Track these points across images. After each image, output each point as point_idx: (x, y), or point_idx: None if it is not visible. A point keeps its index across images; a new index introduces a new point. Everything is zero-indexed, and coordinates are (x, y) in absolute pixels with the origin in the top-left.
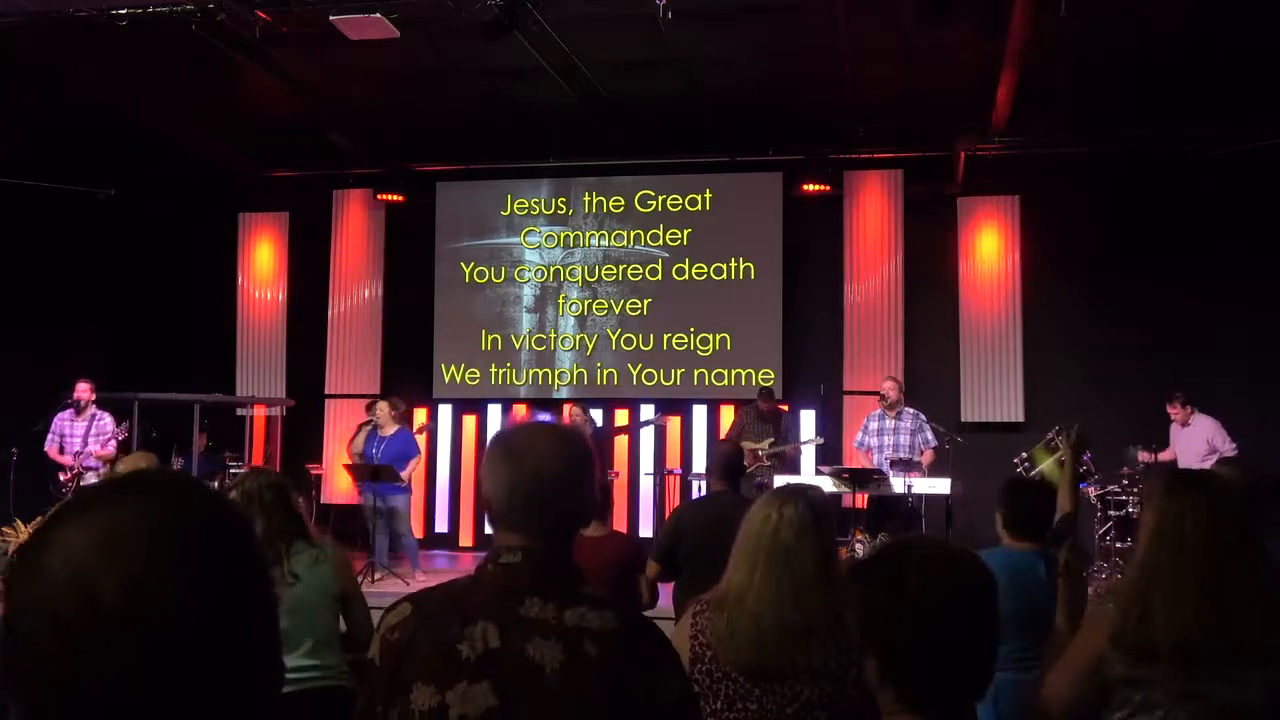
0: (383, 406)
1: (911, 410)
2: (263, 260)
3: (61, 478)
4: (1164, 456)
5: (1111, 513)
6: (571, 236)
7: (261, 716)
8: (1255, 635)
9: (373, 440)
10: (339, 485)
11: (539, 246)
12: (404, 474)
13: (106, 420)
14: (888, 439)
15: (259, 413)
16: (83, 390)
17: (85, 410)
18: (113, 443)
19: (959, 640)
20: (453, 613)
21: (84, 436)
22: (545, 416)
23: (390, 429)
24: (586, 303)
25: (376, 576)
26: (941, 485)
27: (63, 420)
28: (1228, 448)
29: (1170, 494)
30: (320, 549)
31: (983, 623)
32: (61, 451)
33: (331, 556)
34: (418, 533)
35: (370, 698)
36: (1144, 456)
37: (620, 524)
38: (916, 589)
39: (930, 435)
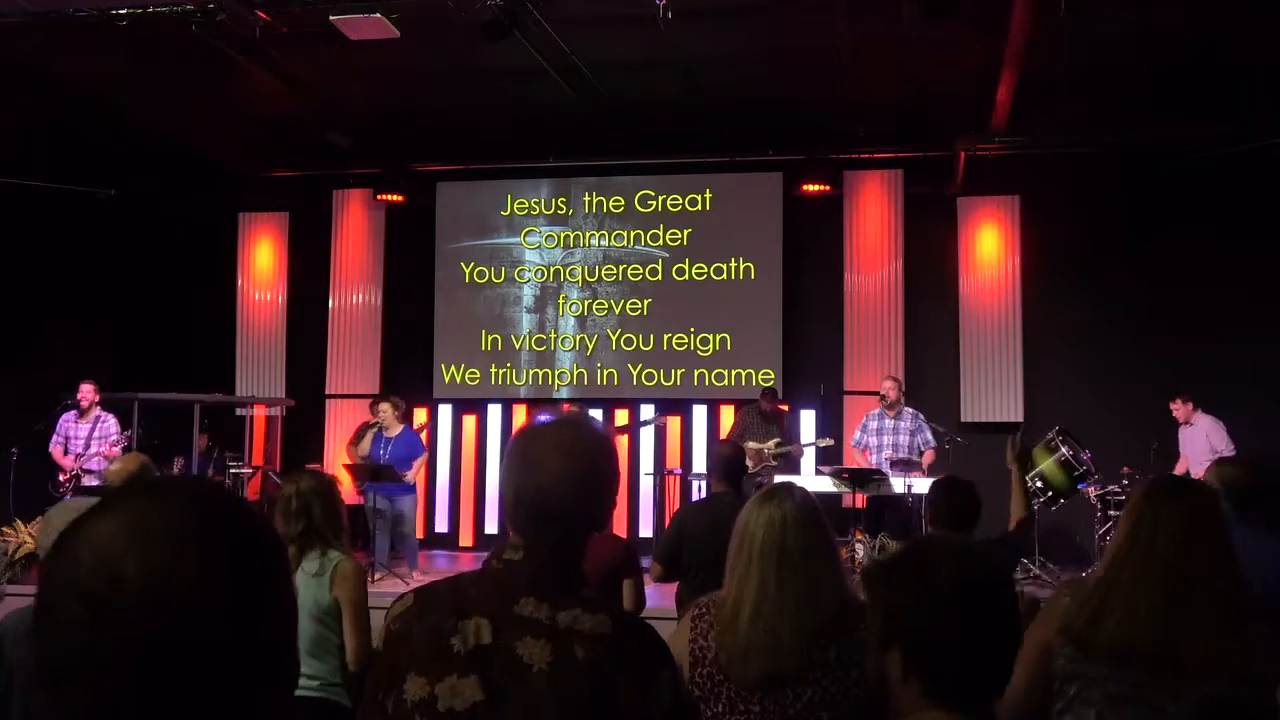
0: (385, 407)
1: (911, 410)
2: (263, 260)
3: (61, 478)
4: (1178, 468)
5: (1112, 513)
6: (571, 236)
7: (274, 710)
8: (1201, 651)
9: (379, 441)
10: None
11: (539, 246)
12: (410, 474)
13: (110, 423)
14: (887, 439)
15: (259, 413)
16: (86, 392)
17: (89, 412)
18: (118, 447)
19: (988, 634)
20: (450, 606)
21: (86, 438)
22: (544, 418)
23: (395, 429)
24: (586, 303)
25: (376, 576)
26: None
27: (67, 421)
28: (1226, 449)
29: (1148, 501)
30: (326, 559)
31: (1008, 617)
32: (65, 453)
33: (333, 568)
34: (418, 533)
35: (373, 687)
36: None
37: (620, 524)
38: (948, 583)
39: (929, 436)
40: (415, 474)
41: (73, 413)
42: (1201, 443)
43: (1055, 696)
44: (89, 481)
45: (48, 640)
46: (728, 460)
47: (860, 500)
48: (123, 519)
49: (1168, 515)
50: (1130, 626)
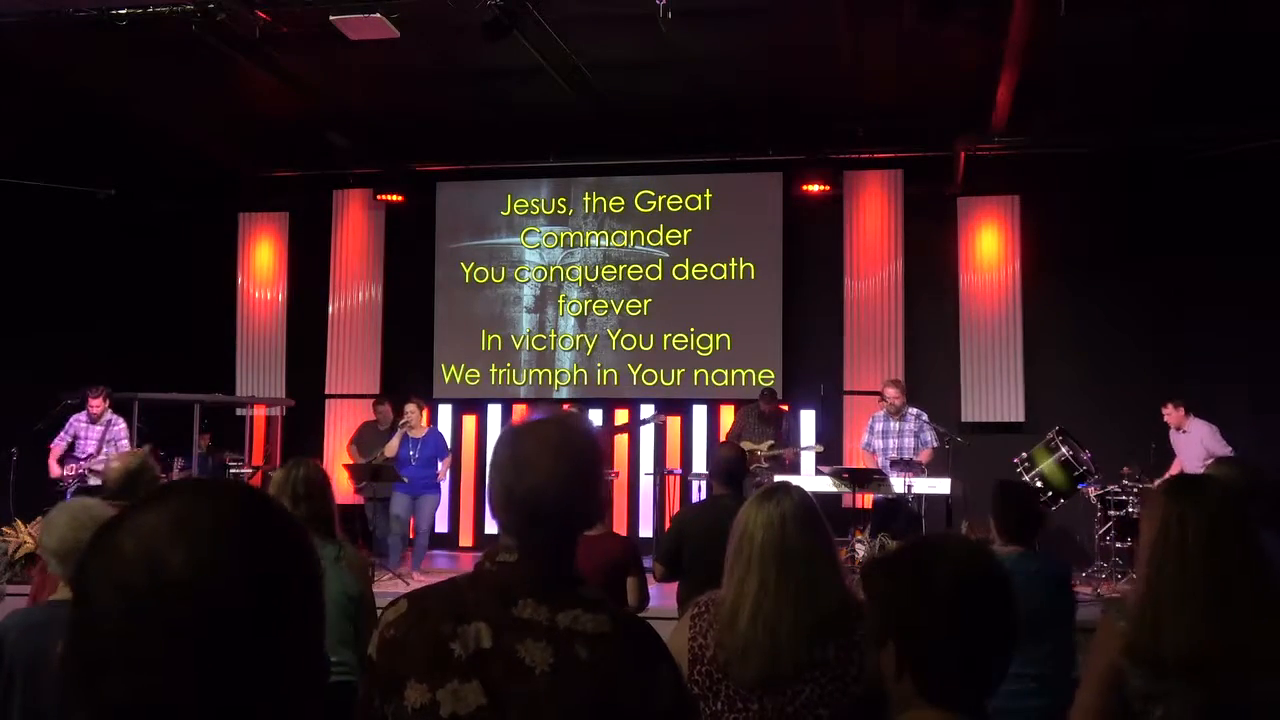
0: (412, 408)
1: (914, 411)
2: (263, 260)
3: (67, 472)
4: (1173, 471)
5: (1112, 513)
6: (571, 236)
7: (304, 704)
8: (1263, 645)
9: (407, 443)
10: (339, 485)
11: (539, 246)
12: (439, 474)
13: (120, 426)
14: (892, 441)
15: (259, 413)
16: (95, 405)
17: (101, 416)
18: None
19: (984, 634)
20: (448, 611)
21: (99, 440)
22: (539, 416)
23: (421, 430)
24: (586, 303)
25: (378, 575)
26: (942, 485)
27: (78, 421)
28: (1223, 452)
29: (1171, 501)
30: (340, 547)
31: (1007, 619)
32: (70, 449)
33: (350, 557)
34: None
35: (368, 693)
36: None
37: (620, 524)
38: (945, 582)
39: (930, 436)
40: (443, 474)
41: (84, 414)
42: (1196, 448)
43: (1138, 716)
44: (95, 482)
45: (83, 632)
46: (729, 462)
47: (862, 500)
48: (168, 514)
49: (1193, 513)
50: (1188, 634)
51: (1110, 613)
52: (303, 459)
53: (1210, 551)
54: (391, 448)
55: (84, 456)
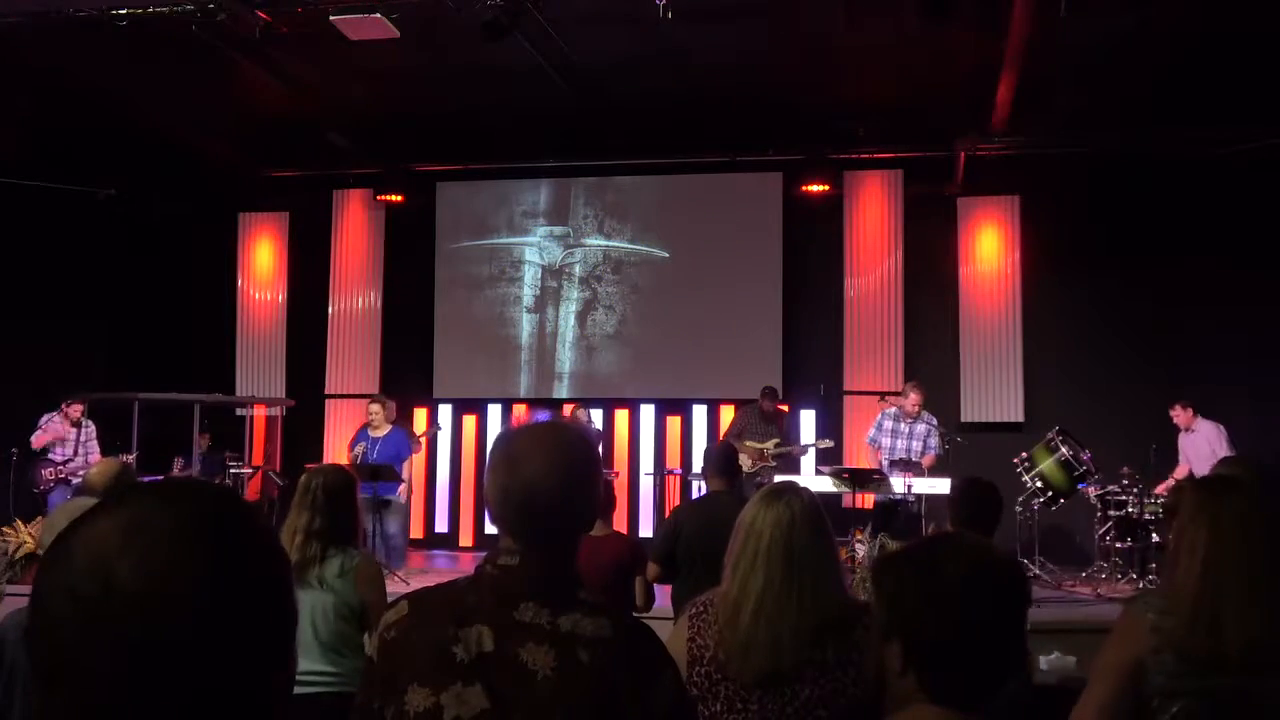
0: (375, 407)
1: (928, 415)
2: (263, 260)
3: (46, 475)
4: (1179, 472)
5: (1111, 513)
6: (571, 236)
7: (268, 714)
8: None
9: (363, 440)
10: None
11: (539, 246)
12: (400, 488)
13: (92, 428)
14: (900, 441)
15: (259, 413)
16: (75, 411)
17: (80, 422)
18: (95, 454)
19: (988, 635)
20: (448, 614)
21: (76, 442)
22: (543, 416)
23: (383, 429)
24: (586, 303)
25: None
26: (942, 486)
27: (53, 424)
28: (1228, 453)
29: (1222, 499)
30: (349, 557)
31: (1012, 621)
32: (45, 451)
33: (357, 567)
34: (418, 533)
35: (367, 695)
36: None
37: (620, 524)
38: (953, 581)
39: (935, 442)
40: (403, 488)
41: (56, 415)
42: (1204, 448)
43: (1154, 713)
44: (77, 482)
45: (39, 641)
46: (724, 459)
47: (862, 500)
48: (120, 522)
49: (1244, 508)
50: (1253, 627)
51: (1137, 607)
52: (326, 466)
53: (1266, 543)
54: (360, 446)
55: (62, 460)
